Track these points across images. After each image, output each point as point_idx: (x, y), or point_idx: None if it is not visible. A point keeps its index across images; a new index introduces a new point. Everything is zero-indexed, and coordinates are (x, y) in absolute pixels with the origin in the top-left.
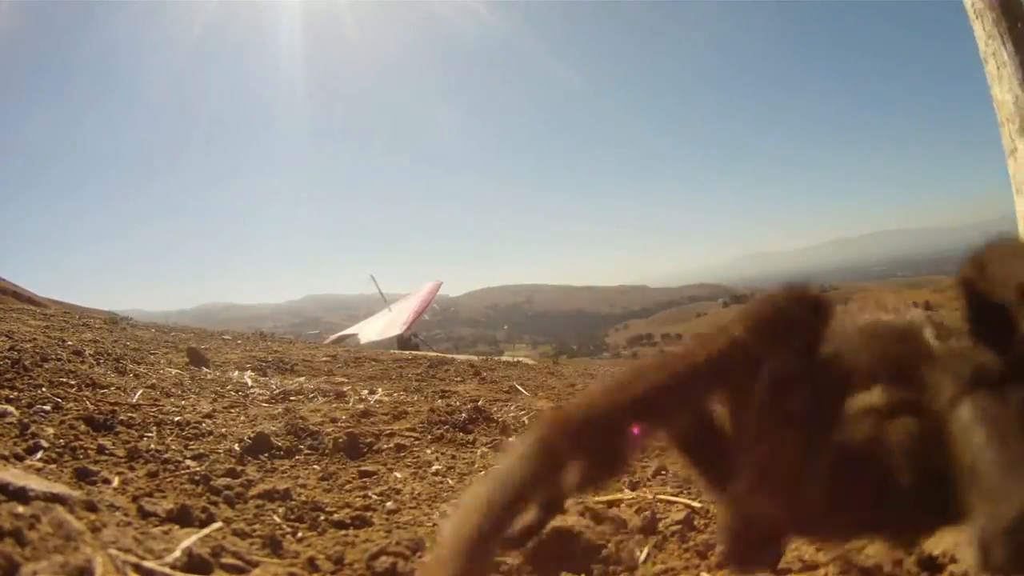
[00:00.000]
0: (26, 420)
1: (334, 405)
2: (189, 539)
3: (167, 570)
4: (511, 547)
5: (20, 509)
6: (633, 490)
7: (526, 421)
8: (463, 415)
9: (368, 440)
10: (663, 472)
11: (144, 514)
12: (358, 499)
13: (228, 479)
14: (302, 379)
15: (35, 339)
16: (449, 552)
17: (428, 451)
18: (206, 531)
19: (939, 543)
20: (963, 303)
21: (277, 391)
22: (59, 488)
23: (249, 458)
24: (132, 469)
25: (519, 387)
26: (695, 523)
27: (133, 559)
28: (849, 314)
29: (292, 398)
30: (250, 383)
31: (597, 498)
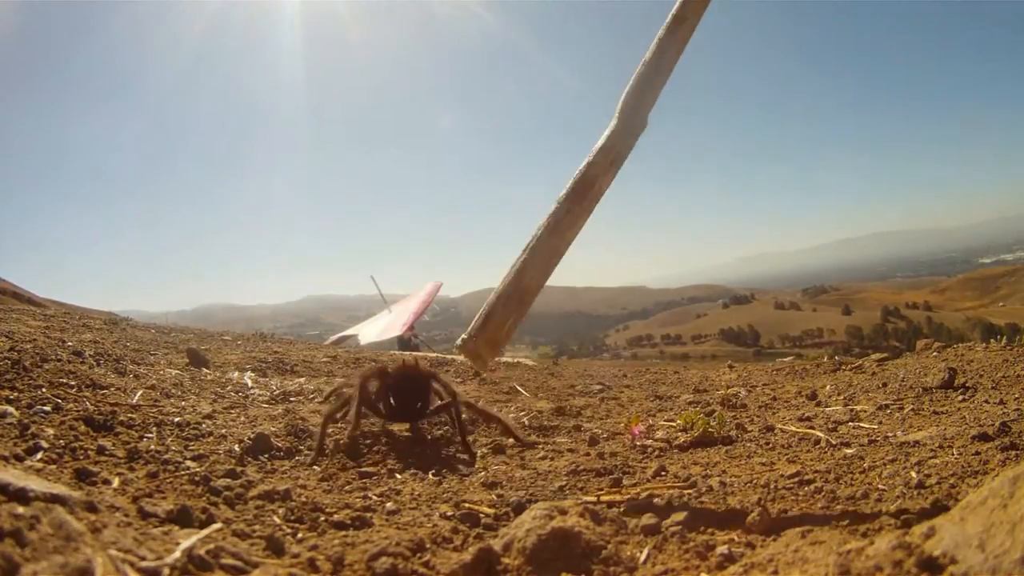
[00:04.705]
0: (26, 421)
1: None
2: (189, 540)
3: (167, 571)
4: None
5: (20, 510)
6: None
7: (527, 422)
8: (463, 416)
9: (368, 441)
10: (663, 472)
11: (144, 515)
12: (358, 500)
13: (228, 480)
14: (302, 380)
15: (35, 340)
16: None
17: (428, 452)
18: (206, 532)
19: (939, 543)
20: None
21: (277, 392)
22: (59, 489)
23: (249, 459)
24: (132, 470)
25: (519, 388)
26: (695, 524)
27: (133, 560)
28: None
29: (292, 399)
30: (250, 384)
31: (598, 497)
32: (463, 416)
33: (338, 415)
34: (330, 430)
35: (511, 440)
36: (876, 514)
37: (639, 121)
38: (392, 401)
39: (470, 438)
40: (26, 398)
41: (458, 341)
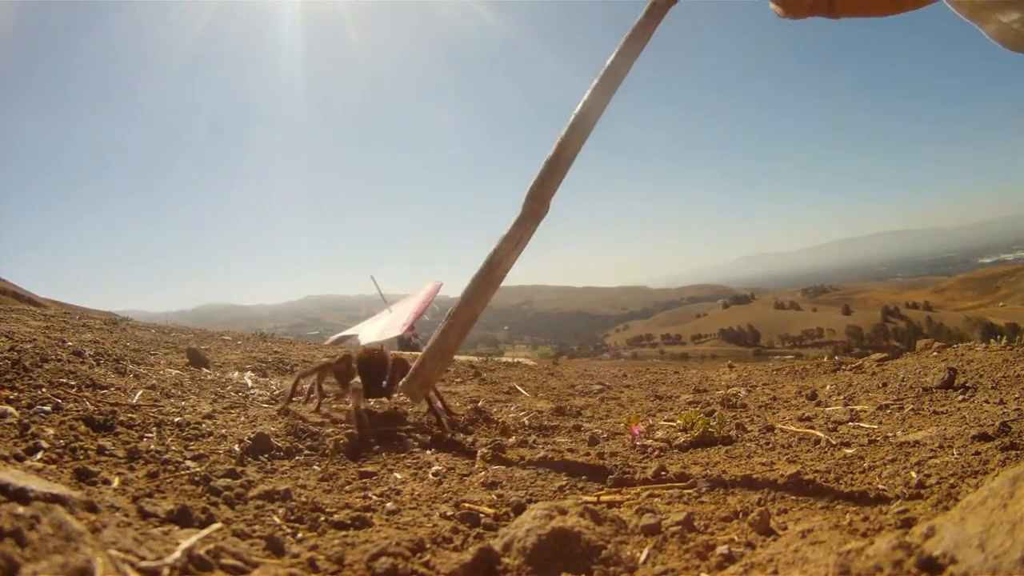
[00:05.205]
0: (26, 421)
1: (334, 406)
2: (189, 540)
3: (167, 571)
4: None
5: (20, 510)
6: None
7: (526, 422)
8: (463, 416)
9: (368, 440)
10: (663, 472)
11: (144, 515)
12: (358, 500)
13: (228, 480)
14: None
15: (35, 340)
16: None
17: (428, 452)
18: (206, 532)
19: (939, 543)
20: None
21: (277, 392)
22: (59, 489)
23: (249, 459)
24: (132, 470)
25: (519, 388)
26: (695, 523)
27: (133, 559)
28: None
29: (292, 399)
30: (250, 384)
31: (598, 498)
32: (437, 403)
33: (310, 382)
34: (330, 429)
35: (504, 443)
36: (876, 514)
37: (543, 210)
38: (359, 380)
39: (446, 422)
40: (26, 398)
41: (399, 384)
